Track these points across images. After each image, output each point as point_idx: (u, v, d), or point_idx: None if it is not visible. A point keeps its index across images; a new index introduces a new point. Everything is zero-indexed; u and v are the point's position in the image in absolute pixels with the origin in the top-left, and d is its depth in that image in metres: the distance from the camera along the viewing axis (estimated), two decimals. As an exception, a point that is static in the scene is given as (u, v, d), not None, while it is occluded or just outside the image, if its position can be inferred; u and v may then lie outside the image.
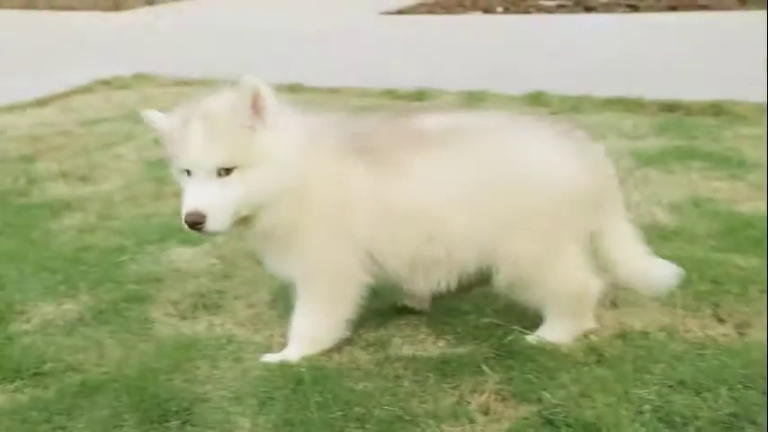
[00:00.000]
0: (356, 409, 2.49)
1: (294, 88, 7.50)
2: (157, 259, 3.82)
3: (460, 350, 2.84)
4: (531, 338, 2.82)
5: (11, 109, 7.33)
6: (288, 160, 2.63)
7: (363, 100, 6.84)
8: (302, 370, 2.67)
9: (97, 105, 7.38)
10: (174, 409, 2.57)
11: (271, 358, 2.87)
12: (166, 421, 2.52)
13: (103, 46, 10.75)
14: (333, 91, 7.11)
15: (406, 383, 2.64)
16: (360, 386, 2.63)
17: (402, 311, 3.15)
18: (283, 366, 2.76)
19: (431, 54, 8.93)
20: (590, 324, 2.88)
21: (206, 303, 3.35)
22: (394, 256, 2.76)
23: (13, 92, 7.64)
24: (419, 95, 6.74)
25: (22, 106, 7.38)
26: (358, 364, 2.80)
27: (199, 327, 3.17)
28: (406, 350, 2.89)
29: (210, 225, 2.56)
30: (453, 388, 2.60)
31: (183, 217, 2.57)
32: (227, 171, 2.57)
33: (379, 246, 2.75)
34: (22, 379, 2.82)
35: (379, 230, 2.73)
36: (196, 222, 2.55)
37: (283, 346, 2.93)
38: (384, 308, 3.16)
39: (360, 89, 7.05)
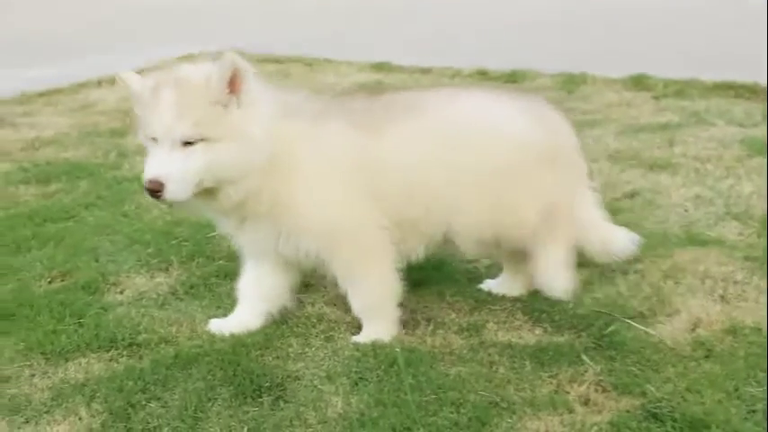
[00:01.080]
0: (450, 393, 2.52)
1: (381, 67, 7.57)
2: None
3: (558, 339, 2.84)
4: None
5: (100, 83, 7.60)
6: (256, 139, 2.69)
7: (453, 80, 6.84)
8: (397, 350, 2.72)
9: (187, 81, 7.60)
10: (267, 384, 2.65)
11: (361, 338, 2.93)
12: (259, 396, 2.60)
13: (191, 20, 11.03)
14: (424, 71, 7.13)
15: (501, 370, 2.66)
16: (453, 371, 2.66)
17: (496, 297, 3.16)
18: (375, 347, 2.81)
19: (527, 33, 8.84)
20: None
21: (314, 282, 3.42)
22: (383, 213, 2.85)
23: (104, 66, 7.90)
24: (512, 77, 6.70)
25: (112, 81, 7.63)
26: (451, 348, 2.83)
27: (289, 304, 3.24)
28: (502, 336, 2.90)
29: (169, 193, 2.62)
30: (551, 377, 2.61)
31: (144, 184, 2.64)
32: (192, 143, 2.63)
33: (369, 201, 2.83)
34: (117, 349, 2.95)
35: (364, 188, 2.82)
36: (155, 190, 2.62)
37: (360, 325, 2.98)
38: (478, 293, 3.18)
39: (453, 69, 7.05)
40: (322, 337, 2.98)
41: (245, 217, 2.85)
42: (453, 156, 2.83)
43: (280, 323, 3.06)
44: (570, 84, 6.35)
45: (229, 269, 3.54)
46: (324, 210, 2.81)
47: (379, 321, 2.94)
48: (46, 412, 2.58)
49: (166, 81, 2.66)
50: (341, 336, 2.97)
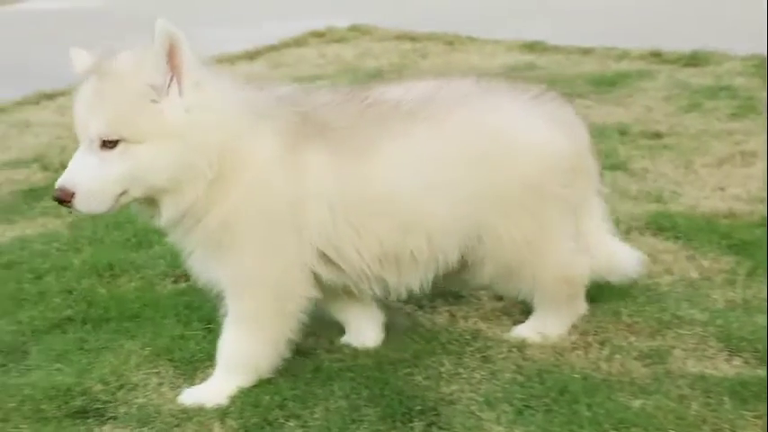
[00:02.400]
0: (633, 430, 2.48)
1: (533, 47, 7.52)
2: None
3: (762, 372, 2.75)
4: (524, 333, 3.04)
5: (219, 61, 7.86)
6: (200, 138, 2.52)
7: (619, 63, 6.72)
8: (574, 377, 2.70)
9: (310, 60, 7.78)
10: (419, 407, 2.68)
11: (188, 397, 2.81)
12: (410, 421, 2.63)
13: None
14: (584, 51, 7.04)
15: (694, 406, 2.59)
16: (636, 403, 2.62)
17: (683, 319, 3.09)
18: (542, 372, 2.80)
19: (712, 7, 8.57)
20: (582, 309, 3.07)
21: (445, 293, 3.45)
22: (360, 252, 2.76)
23: (221, 43, 8.17)
24: (693, 59, 6.51)
25: (230, 59, 7.90)
26: (631, 377, 2.78)
27: (439, 318, 3.27)
28: (692, 366, 2.83)
29: (79, 204, 2.50)
30: (756, 417, 2.52)
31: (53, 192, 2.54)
32: (114, 144, 2.48)
33: (340, 243, 2.74)
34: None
35: (342, 226, 2.72)
36: (62, 200, 2.50)
37: (535, 345, 2.98)
38: (662, 313, 3.12)
39: (619, 50, 6.92)
40: (478, 356, 2.99)
41: (187, 235, 2.72)
42: (463, 175, 2.75)
43: (429, 339, 3.09)
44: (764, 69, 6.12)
45: (369, 275, 3.60)
46: (264, 250, 2.70)
47: (232, 378, 2.84)
48: (176, 426, 2.69)
49: (90, 70, 2.53)
50: (500, 356, 2.97)
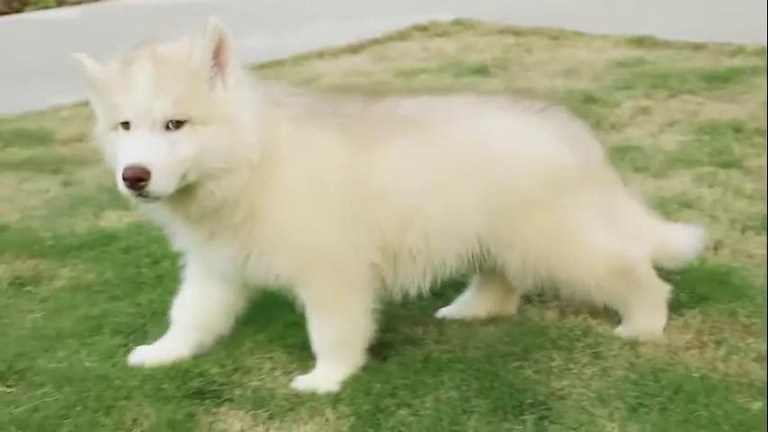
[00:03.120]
0: (753, 432, 2.45)
1: (642, 42, 7.40)
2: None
3: None
4: (625, 333, 3.05)
5: (322, 55, 7.96)
6: (248, 124, 2.62)
7: (733, 59, 6.56)
8: (691, 376, 2.67)
9: (413, 53, 7.80)
10: (530, 401, 2.69)
11: (302, 381, 2.88)
12: (521, 414, 2.65)
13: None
14: (696, 47, 6.90)
15: (816, 410, 2.54)
16: (756, 405, 2.58)
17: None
18: (656, 371, 2.78)
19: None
20: (665, 291, 3.07)
21: (554, 287, 3.43)
22: (363, 238, 2.80)
23: (325, 37, 8.27)
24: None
25: (334, 52, 7.98)
26: (750, 378, 2.74)
27: (548, 313, 3.27)
28: (816, 370, 2.77)
29: (154, 185, 2.49)
30: None
31: (122, 173, 2.49)
32: (178, 125, 2.54)
33: (355, 228, 2.79)
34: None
35: (349, 206, 2.77)
36: (139, 179, 2.47)
37: (648, 343, 2.96)
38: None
39: (733, 45, 6.76)
40: (588, 352, 2.98)
41: (215, 230, 2.76)
42: (463, 182, 2.83)
43: (539, 333, 3.09)
44: None
45: (477, 268, 3.62)
46: (304, 228, 2.76)
47: (336, 363, 2.89)
48: (290, 409, 2.76)
49: (139, 56, 2.58)
50: (611, 353, 2.96)
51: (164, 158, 2.50)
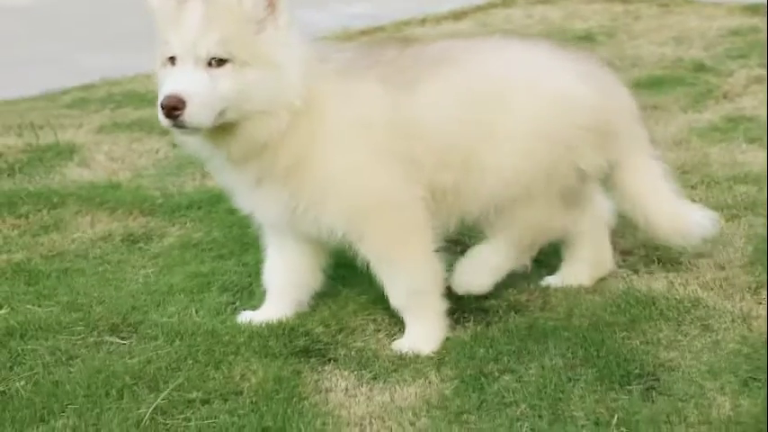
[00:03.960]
0: None
1: (757, 9, 7.16)
2: (600, 201, 3.91)
3: None
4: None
5: (423, 22, 7.94)
6: (292, 69, 2.68)
7: None
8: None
9: (517, 20, 7.72)
10: (637, 371, 2.65)
11: (405, 342, 2.89)
12: (628, 384, 2.61)
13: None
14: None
15: None
16: None
17: None
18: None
19: None
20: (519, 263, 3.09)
21: (662, 258, 3.38)
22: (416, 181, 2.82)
23: (429, 3, 8.24)
24: None
25: (437, 18, 7.97)
26: None
27: (656, 284, 3.21)
28: None
29: (189, 115, 2.56)
30: None
31: (160, 102, 2.57)
32: (221, 63, 2.60)
33: (402, 167, 2.80)
34: (464, 312, 3.09)
35: (396, 151, 2.78)
36: (174, 108, 2.55)
37: (761, 317, 2.87)
38: None
39: None
40: (698, 324, 2.92)
41: (261, 177, 2.79)
42: (489, 115, 2.85)
43: (646, 304, 3.04)
44: None
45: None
46: (353, 175, 2.76)
47: (425, 315, 2.90)
48: (394, 371, 2.78)
49: None
50: (722, 326, 2.90)
51: (201, 91, 2.58)
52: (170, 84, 2.60)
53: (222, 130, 2.68)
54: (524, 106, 2.86)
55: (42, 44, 7.20)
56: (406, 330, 2.94)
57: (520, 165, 2.88)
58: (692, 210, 3.12)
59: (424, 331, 2.91)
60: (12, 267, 3.50)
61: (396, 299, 2.93)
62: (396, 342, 2.93)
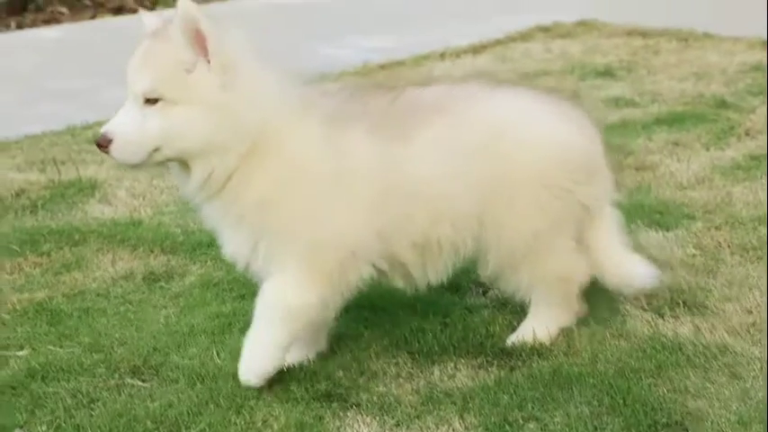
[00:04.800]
0: None
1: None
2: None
3: None
4: (511, 340, 3.09)
5: (443, 56, 7.92)
6: (231, 116, 2.66)
7: None
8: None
9: (536, 55, 7.69)
10: (664, 420, 2.62)
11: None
12: (656, 432, 2.57)
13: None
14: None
15: None
16: None
17: None
18: (801, 394, 2.66)
19: None
20: (571, 318, 3.13)
21: (687, 301, 3.33)
22: (397, 236, 2.85)
23: (446, 37, 8.23)
24: None
25: (456, 53, 7.93)
26: None
27: (682, 329, 3.17)
28: None
29: (114, 151, 2.67)
30: None
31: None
32: (154, 102, 2.65)
33: (378, 224, 2.81)
34: (486, 356, 3.06)
35: (381, 206, 2.80)
36: (100, 144, 2.68)
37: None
38: None
39: None
40: (726, 371, 2.88)
41: (226, 216, 2.81)
42: (485, 166, 2.88)
43: (673, 350, 3.00)
44: None
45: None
46: (316, 226, 2.76)
47: (277, 329, 2.82)
48: (417, 417, 2.74)
49: (153, 29, 2.74)
50: (751, 373, 2.85)
51: (127, 129, 2.67)
52: (108, 122, 2.73)
53: (184, 166, 2.76)
54: (523, 156, 2.92)
55: (65, 79, 7.25)
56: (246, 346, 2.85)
57: (530, 214, 2.94)
58: (634, 262, 3.17)
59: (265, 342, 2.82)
60: (34, 307, 3.49)
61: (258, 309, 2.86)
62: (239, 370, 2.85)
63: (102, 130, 2.70)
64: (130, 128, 2.67)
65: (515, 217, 2.94)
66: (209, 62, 2.65)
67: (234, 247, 2.86)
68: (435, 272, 3.00)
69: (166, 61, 2.67)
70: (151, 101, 2.66)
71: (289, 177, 2.76)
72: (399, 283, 3.03)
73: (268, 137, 2.74)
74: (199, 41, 2.64)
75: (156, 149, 2.69)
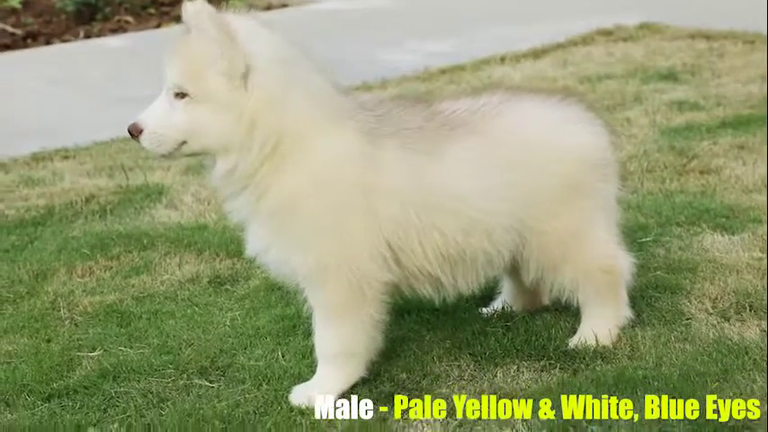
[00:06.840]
0: None
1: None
2: (687, 245, 3.85)
3: None
4: (573, 343, 3.11)
5: (503, 60, 7.91)
6: (251, 118, 2.68)
7: None
8: None
9: (597, 59, 7.63)
10: (730, 425, 2.59)
11: (299, 390, 2.88)
12: (722, 439, 2.54)
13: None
14: None
15: None
16: None
17: None
18: None
19: None
20: (626, 313, 3.17)
21: (754, 305, 3.30)
22: (425, 249, 2.85)
23: (507, 41, 8.21)
24: None
25: (516, 57, 7.90)
26: None
27: (748, 332, 3.14)
28: None
29: (144, 141, 2.76)
30: None
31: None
32: (183, 96, 2.70)
33: (407, 239, 2.83)
34: (549, 359, 3.06)
35: (412, 221, 2.82)
36: (131, 133, 2.76)
37: None
38: None
39: None
40: (796, 376, 2.84)
41: (249, 214, 2.83)
42: (519, 179, 2.92)
43: (739, 353, 2.97)
44: None
45: (668, 282, 3.51)
46: (331, 235, 2.77)
47: (336, 370, 2.87)
48: (479, 419, 2.75)
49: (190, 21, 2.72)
50: (820, 378, 2.80)
51: (155, 121, 2.74)
52: (143, 111, 2.79)
53: (212, 158, 2.81)
54: (555, 166, 2.98)
55: (132, 86, 7.40)
56: (311, 380, 2.93)
57: (567, 217, 3.00)
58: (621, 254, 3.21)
59: (325, 382, 2.88)
60: (104, 309, 3.59)
61: (320, 352, 2.93)
62: (291, 393, 2.90)
63: (135, 118, 2.78)
64: (159, 121, 2.75)
65: (554, 223, 2.99)
66: (223, 63, 2.68)
67: (252, 245, 2.90)
68: (467, 283, 3.02)
69: (197, 57, 2.71)
70: (180, 95, 2.73)
71: (314, 186, 2.77)
72: (428, 293, 3.02)
73: (295, 141, 2.75)
74: (217, 41, 2.67)
75: (184, 143, 2.76)
